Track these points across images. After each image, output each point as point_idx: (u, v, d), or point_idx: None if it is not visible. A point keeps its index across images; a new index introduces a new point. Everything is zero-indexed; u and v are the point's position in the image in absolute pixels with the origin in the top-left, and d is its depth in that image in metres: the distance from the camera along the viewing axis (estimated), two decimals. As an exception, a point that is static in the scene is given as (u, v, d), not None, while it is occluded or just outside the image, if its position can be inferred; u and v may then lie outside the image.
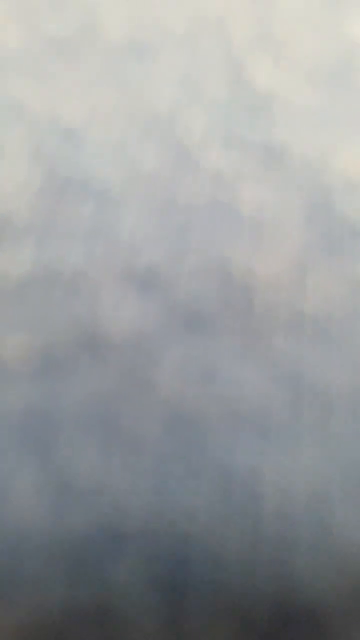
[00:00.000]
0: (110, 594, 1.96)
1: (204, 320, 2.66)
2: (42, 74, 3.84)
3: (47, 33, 4.15)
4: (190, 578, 2.00)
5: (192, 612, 1.93)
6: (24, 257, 2.85)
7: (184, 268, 2.85)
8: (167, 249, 2.92)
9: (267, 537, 2.09)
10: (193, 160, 3.37)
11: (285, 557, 2.05)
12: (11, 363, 2.49)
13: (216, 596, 1.97)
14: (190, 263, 2.87)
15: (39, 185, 3.18)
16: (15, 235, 2.95)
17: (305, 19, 4.48)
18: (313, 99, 3.82)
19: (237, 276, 2.83)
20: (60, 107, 3.63)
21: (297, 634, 1.91)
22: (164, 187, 3.22)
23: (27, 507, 2.12)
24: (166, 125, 3.56)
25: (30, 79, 3.80)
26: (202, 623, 1.92)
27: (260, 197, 3.20)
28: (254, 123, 3.62)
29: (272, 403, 2.41)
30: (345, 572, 2.03)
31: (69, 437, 2.29)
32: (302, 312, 2.72)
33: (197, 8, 4.48)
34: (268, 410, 2.40)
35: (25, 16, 4.28)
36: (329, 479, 2.23)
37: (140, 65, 3.96)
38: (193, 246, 2.94)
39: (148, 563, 2.02)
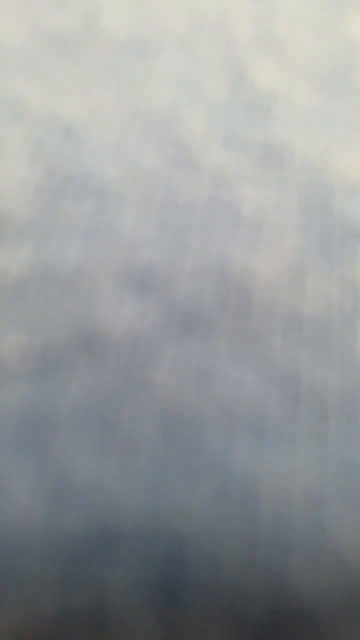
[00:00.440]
0: (106, 595, 1.96)
1: (202, 321, 2.66)
2: (42, 72, 3.84)
3: (47, 30, 4.15)
4: (186, 579, 2.00)
5: (188, 614, 1.93)
6: (22, 255, 2.85)
7: (182, 268, 2.84)
8: (166, 249, 2.92)
9: (263, 538, 2.09)
10: (193, 160, 3.37)
11: (282, 559, 2.05)
12: (8, 362, 2.49)
13: (212, 597, 1.97)
14: (189, 263, 2.87)
15: (38, 183, 3.18)
16: (13, 233, 2.94)
17: (306, 19, 4.47)
18: (313, 99, 3.81)
19: (236, 276, 2.82)
20: (60, 105, 3.62)
21: (294, 635, 1.91)
22: (164, 186, 3.22)
23: (23, 508, 2.11)
24: (166, 124, 3.55)
25: (30, 77, 3.80)
26: (198, 624, 1.92)
27: (259, 197, 3.19)
28: (254, 123, 3.61)
29: (269, 404, 2.41)
30: (342, 573, 2.03)
31: (65, 437, 2.29)
32: (300, 313, 2.71)
33: (198, 7, 4.48)
34: (265, 411, 2.39)
35: (25, 13, 4.28)
36: (325, 480, 2.23)
37: (140, 64, 3.95)
38: (192, 246, 2.94)
39: (144, 564, 2.02)
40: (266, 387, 2.46)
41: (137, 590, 1.97)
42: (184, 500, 2.16)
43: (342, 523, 2.13)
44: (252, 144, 3.49)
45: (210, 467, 2.24)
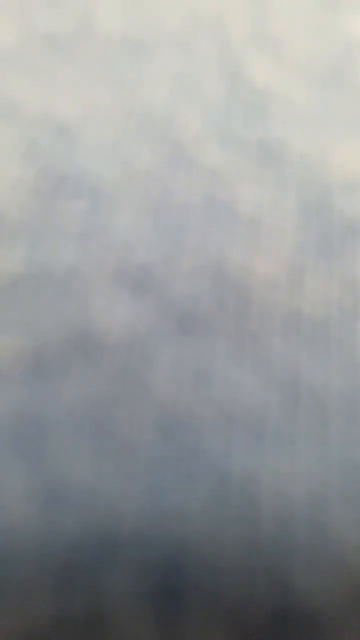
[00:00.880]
0: (103, 600, 1.96)
1: (198, 321, 2.66)
2: (36, 71, 3.84)
3: (41, 30, 4.15)
4: (184, 583, 2.00)
5: (186, 619, 1.93)
6: (15, 256, 2.85)
7: (178, 268, 2.85)
8: (162, 248, 2.92)
9: (263, 541, 2.09)
10: (189, 159, 3.37)
11: (282, 562, 2.05)
12: (1, 364, 2.49)
13: (211, 602, 1.97)
14: (185, 262, 2.87)
15: (31, 183, 3.18)
16: (7, 233, 2.94)
17: (303, 17, 4.48)
18: (310, 97, 3.83)
19: (233, 276, 2.83)
20: (54, 104, 3.63)
21: (295, 639, 1.91)
22: (159, 185, 3.22)
23: (17, 512, 2.12)
24: (162, 123, 3.56)
25: (23, 76, 3.79)
26: (197, 629, 1.92)
27: (257, 196, 3.21)
28: (251, 121, 3.63)
29: (267, 405, 2.42)
30: (343, 575, 2.03)
31: (60, 440, 2.29)
32: (299, 312, 2.72)
33: (194, 5, 4.48)
34: (263, 412, 2.40)
35: (19, 13, 4.28)
36: (325, 481, 2.24)
37: (136, 63, 3.96)
38: (188, 246, 2.95)
39: (142, 569, 2.02)
40: (265, 388, 2.47)
41: (135, 595, 1.97)
42: (182, 504, 2.16)
43: (343, 525, 2.14)
44: (249, 143, 3.50)
45: (209, 469, 2.24)
